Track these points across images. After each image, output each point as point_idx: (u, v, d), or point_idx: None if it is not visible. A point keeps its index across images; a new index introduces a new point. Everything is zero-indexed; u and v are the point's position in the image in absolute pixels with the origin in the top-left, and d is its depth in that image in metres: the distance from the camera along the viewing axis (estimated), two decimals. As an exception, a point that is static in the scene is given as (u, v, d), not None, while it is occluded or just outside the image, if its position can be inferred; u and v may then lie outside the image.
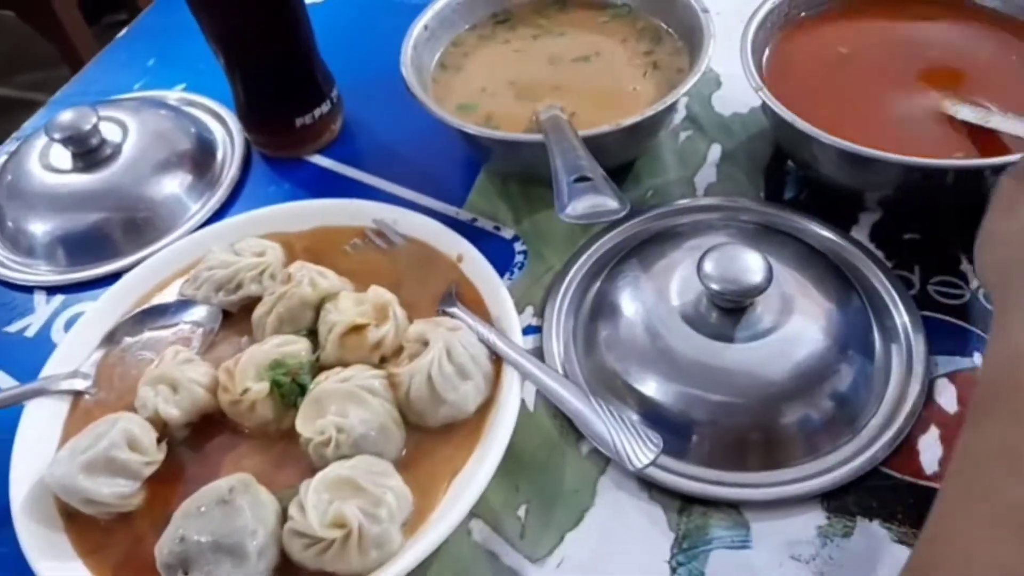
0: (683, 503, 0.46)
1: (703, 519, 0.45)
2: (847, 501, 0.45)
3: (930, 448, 0.46)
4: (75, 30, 1.78)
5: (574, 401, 0.46)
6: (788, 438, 0.47)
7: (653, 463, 0.43)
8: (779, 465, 0.47)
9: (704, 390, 0.48)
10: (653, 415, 0.48)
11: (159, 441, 0.48)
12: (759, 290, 0.47)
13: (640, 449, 0.43)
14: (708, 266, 0.48)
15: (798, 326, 0.49)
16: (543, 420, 0.50)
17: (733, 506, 0.46)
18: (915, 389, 0.48)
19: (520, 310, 0.54)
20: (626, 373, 0.50)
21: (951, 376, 0.49)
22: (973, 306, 0.53)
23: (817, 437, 0.47)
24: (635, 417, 0.47)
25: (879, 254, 0.55)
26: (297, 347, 0.50)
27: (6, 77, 2.21)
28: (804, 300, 0.50)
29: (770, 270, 0.47)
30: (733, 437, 0.47)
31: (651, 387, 0.49)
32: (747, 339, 0.48)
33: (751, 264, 0.48)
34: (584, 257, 0.58)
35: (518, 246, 0.60)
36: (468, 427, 0.48)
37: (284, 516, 0.44)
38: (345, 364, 0.50)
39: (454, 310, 0.52)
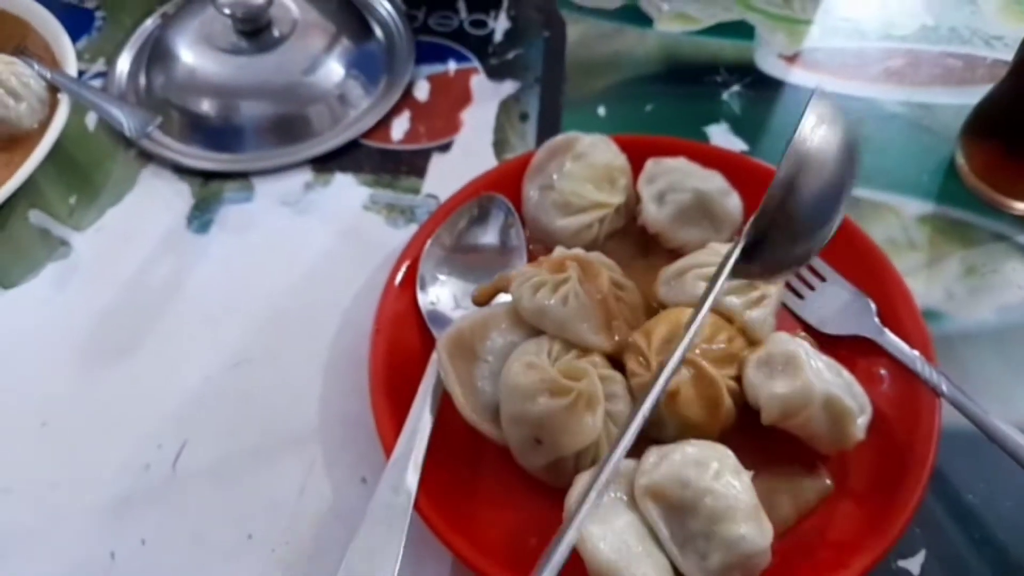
0: (205, 179, 0.58)
1: (219, 187, 0.58)
2: (331, 164, 0.59)
3: (400, 125, 0.61)
4: None
5: (100, 103, 0.57)
6: (295, 123, 0.60)
7: (148, 133, 0.56)
8: (290, 144, 0.60)
9: (234, 97, 0.60)
10: (200, 124, 0.60)
11: None
12: (263, 9, 0.59)
13: (138, 121, 0.55)
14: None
15: (310, 39, 0.62)
16: (102, 138, 0.60)
17: (244, 176, 0.58)
18: (401, 85, 0.63)
19: (94, 61, 0.64)
20: (179, 99, 0.61)
21: (429, 77, 0.64)
22: (461, 31, 0.67)
23: (319, 123, 0.60)
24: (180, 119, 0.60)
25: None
26: None
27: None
28: (311, 22, 0.63)
29: (271, -7, 0.59)
30: (253, 127, 0.60)
31: (198, 104, 0.60)
32: (262, 50, 0.61)
33: (256, -9, 0.59)
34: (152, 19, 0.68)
35: (98, 14, 0.69)
36: (27, 143, 0.56)
37: None
38: None
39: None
